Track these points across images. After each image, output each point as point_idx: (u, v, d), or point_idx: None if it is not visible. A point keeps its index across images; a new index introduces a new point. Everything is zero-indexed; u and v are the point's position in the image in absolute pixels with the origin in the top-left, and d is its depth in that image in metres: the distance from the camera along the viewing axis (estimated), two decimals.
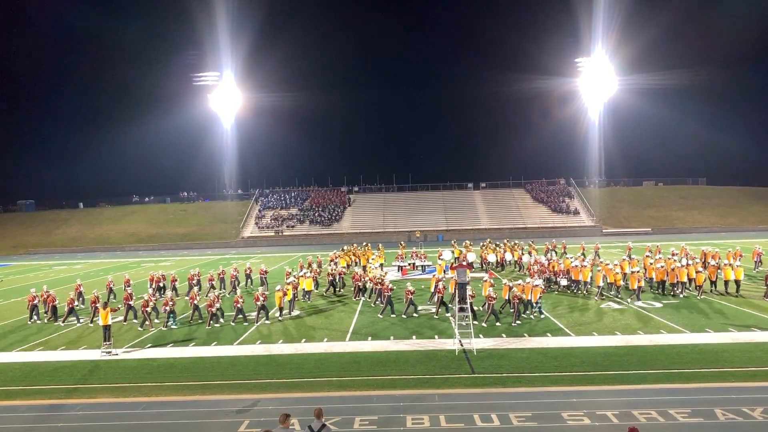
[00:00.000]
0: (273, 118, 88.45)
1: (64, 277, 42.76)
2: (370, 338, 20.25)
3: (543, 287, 23.95)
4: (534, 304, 22.60)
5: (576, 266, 27.78)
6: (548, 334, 19.90)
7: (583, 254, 34.24)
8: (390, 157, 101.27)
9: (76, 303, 25.48)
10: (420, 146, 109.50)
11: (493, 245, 39.86)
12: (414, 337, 20.17)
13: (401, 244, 43.53)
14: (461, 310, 18.71)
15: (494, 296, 22.17)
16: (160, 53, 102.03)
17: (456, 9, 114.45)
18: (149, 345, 20.49)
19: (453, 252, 36.56)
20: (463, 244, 41.30)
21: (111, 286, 29.77)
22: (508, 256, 36.90)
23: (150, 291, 25.83)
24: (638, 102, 79.59)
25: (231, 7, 77.77)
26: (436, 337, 20.09)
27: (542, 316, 22.52)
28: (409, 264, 37.61)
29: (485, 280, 24.45)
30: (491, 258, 36.84)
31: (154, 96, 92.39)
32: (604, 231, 65.79)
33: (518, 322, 21.62)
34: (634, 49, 77.51)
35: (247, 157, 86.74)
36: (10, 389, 16.16)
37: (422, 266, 37.66)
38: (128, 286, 26.31)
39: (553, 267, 29.69)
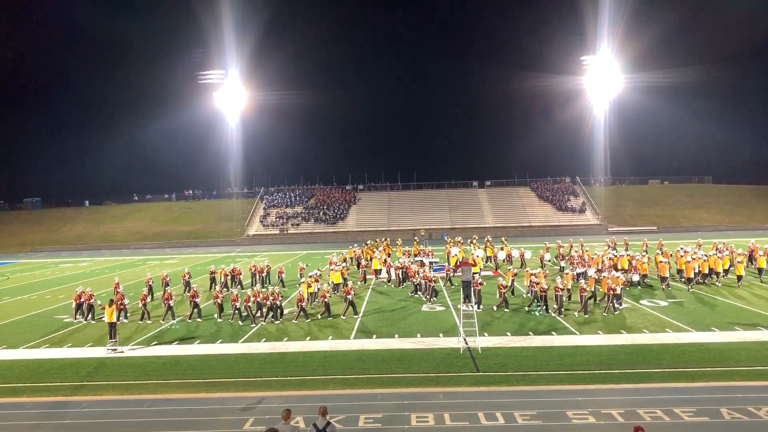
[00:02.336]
0: (278, 117, 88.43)
1: (70, 275, 42.94)
2: (374, 336, 20.26)
3: (625, 279, 25.05)
4: (617, 297, 23.04)
5: (663, 262, 28.22)
6: (553, 333, 19.86)
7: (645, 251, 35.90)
8: (395, 156, 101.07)
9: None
10: (425, 144, 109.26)
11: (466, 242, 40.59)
12: (419, 335, 20.18)
13: (415, 240, 44.05)
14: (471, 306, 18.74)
15: (585, 288, 22.65)
16: (165, 51, 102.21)
17: (462, 7, 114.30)
18: (154, 342, 20.56)
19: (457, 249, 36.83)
20: (453, 240, 41.60)
21: (150, 283, 29.04)
22: (479, 253, 36.80)
23: (217, 287, 26.04)
24: (644, 100, 79.21)
25: (236, 5, 77.70)
26: (441, 335, 20.09)
27: (539, 313, 22.57)
28: (415, 262, 37.63)
29: (566, 273, 25.74)
30: (501, 255, 36.86)
31: (160, 94, 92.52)
32: (609, 229, 65.57)
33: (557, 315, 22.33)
34: (640, 47, 77.12)
35: (252, 156, 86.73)
36: (17, 386, 16.25)
37: (429, 263, 37.68)
38: (166, 284, 26.89)
39: (618, 262, 29.73)
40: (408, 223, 71.57)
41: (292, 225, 74.15)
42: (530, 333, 19.89)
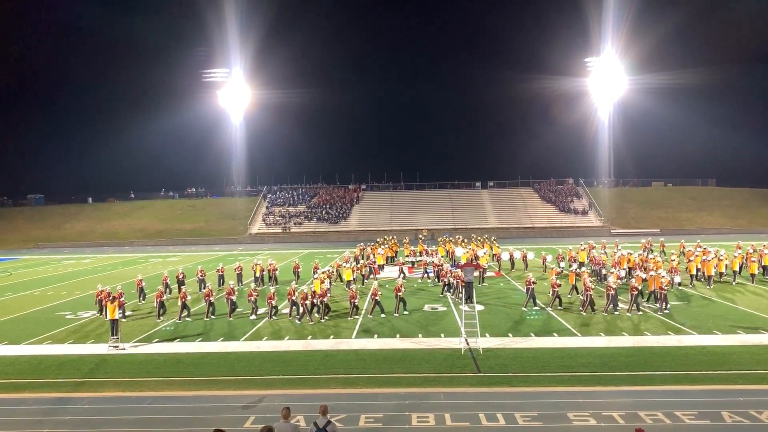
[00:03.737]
0: (281, 115, 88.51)
1: (73, 272, 43.04)
2: (376, 336, 20.26)
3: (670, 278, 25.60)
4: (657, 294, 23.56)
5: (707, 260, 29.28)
6: (555, 334, 19.84)
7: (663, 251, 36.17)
8: (398, 155, 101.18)
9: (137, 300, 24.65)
10: (428, 145, 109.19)
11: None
12: (420, 335, 20.18)
13: (420, 239, 44.25)
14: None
15: (638, 287, 23.12)
16: (169, 49, 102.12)
17: (466, 8, 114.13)
18: (156, 340, 20.60)
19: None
20: (455, 240, 41.68)
21: (167, 281, 29.42)
22: (460, 251, 36.85)
23: (252, 284, 26.59)
24: (648, 102, 79.03)
25: (240, 3, 77.88)
26: (442, 335, 20.08)
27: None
28: (417, 262, 37.76)
29: (612, 272, 26.32)
30: (504, 256, 36.85)
31: (164, 92, 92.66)
32: (612, 231, 65.43)
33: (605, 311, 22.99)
34: (645, 49, 76.91)
35: (255, 154, 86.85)
36: (19, 382, 16.30)
37: (411, 262, 37.83)
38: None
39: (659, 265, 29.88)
40: (410, 223, 71.54)
41: (295, 224, 74.18)
42: (532, 334, 19.87)
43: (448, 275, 28.28)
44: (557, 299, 24.15)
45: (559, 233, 66.61)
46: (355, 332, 20.93)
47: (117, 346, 19.44)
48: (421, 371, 16.21)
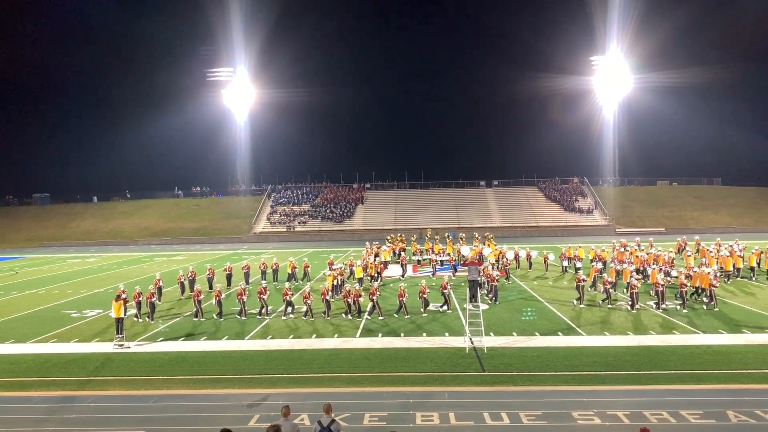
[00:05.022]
0: (286, 114, 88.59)
1: (78, 270, 43.19)
2: (380, 335, 20.26)
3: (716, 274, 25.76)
4: (706, 292, 23.83)
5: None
6: (559, 333, 19.80)
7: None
8: (402, 154, 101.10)
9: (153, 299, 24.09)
10: (432, 144, 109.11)
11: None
12: (424, 334, 20.17)
13: (426, 237, 44.23)
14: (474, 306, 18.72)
15: (686, 284, 23.49)
16: (174, 49, 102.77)
17: (471, 6, 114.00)
18: (161, 339, 20.66)
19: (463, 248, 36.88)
20: (450, 238, 41.70)
21: (182, 280, 29.65)
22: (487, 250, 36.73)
23: (287, 284, 27.16)
24: (653, 100, 78.69)
25: (245, 2, 77.94)
26: (447, 334, 20.07)
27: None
28: (423, 260, 37.73)
29: (653, 268, 26.68)
30: (509, 255, 36.76)
31: (168, 91, 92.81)
32: (617, 230, 65.25)
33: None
34: (650, 47, 76.56)
35: (259, 153, 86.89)
36: (24, 380, 16.38)
37: (440, 261, 37.76)
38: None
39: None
40: (415, 222, 71.50)
41: (299, 223, 74.24)
42: (536, 333, 19.85)
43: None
44: (607, 296, 24.29)
45: (563, 232, 66.45)
46: (359, 331, 20.94)
47: (122, 345, 19.51)
48: (426, 370, 16.21)
